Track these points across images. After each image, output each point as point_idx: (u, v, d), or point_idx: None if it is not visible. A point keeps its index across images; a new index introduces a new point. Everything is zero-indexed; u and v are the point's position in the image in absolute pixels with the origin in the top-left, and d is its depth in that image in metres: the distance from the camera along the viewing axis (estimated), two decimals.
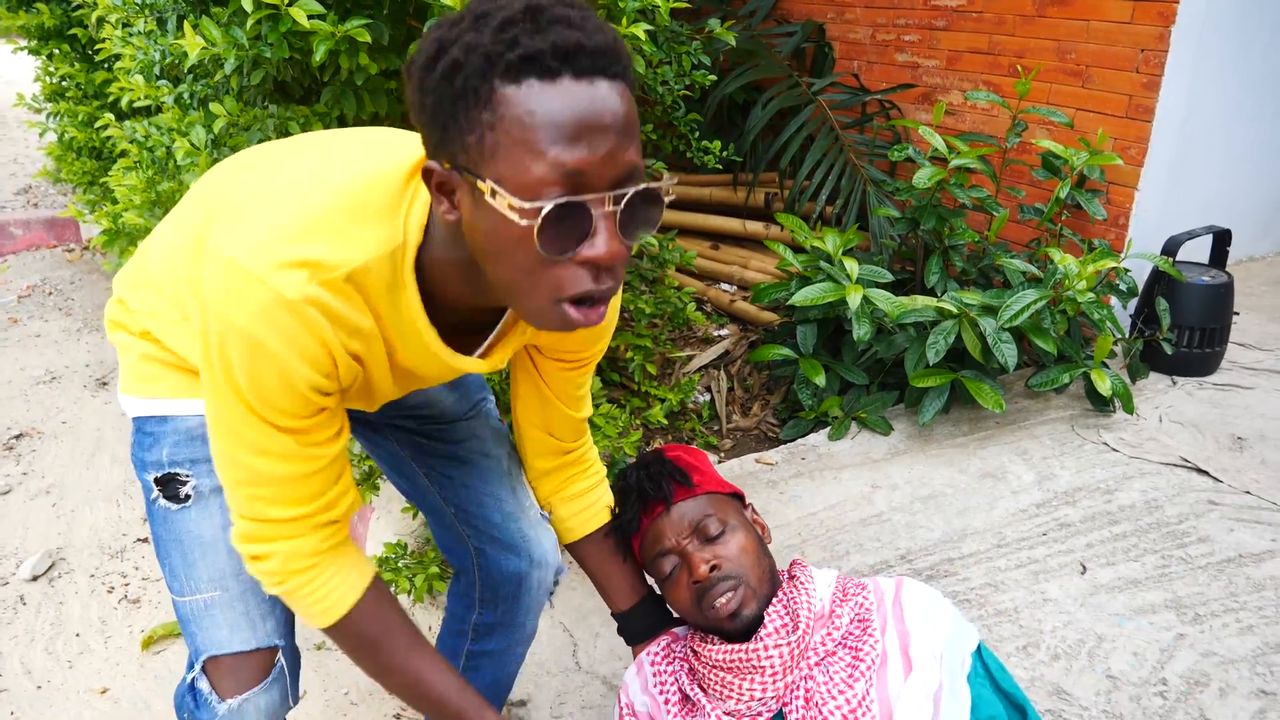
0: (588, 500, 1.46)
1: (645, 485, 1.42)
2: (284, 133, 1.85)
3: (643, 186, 0.85)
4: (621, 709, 1.41)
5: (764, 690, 1.27)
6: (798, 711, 1.24)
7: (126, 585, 2.45)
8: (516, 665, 1.60)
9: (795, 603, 1.34)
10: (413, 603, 2.11)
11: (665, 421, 2.46)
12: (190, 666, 1.22)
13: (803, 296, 2.46)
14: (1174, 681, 1.76)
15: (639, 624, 1.49)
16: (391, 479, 1.53)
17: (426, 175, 0.88)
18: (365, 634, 1.14)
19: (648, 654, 1.45)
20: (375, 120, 1.89)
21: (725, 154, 2.62)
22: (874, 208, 3.43)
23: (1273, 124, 3.60)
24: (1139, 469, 2.46)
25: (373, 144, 1.05)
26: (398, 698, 1.44)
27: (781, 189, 3.77)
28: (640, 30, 1.69)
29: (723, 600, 1.29)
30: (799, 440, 2.67)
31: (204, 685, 1.20)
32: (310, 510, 1.06)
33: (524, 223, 0.81)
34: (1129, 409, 2.63)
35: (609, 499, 1.48)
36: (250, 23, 1.41)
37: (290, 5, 1.38)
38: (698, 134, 2.63)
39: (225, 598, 1.20)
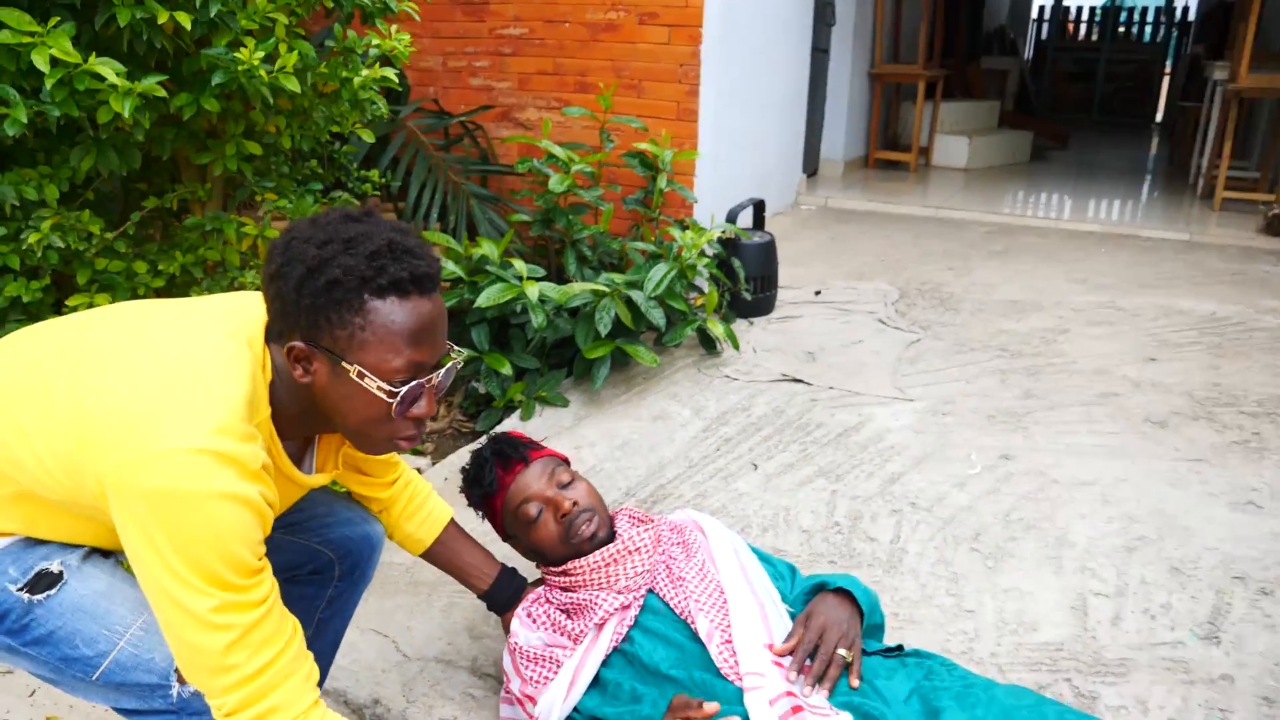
0: (425, 511, 1.71)
1: (505, 449, 1.76)
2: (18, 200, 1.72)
3: (448, 366, 1.26)
4: (511, 651, 1.69)
5: (641, 565, 1.66)
6: (662, 581, 1.64)
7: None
8: (355, 606, 1.76)
9: (635, 513, 1.76)
10: None
11: None
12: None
13: (486, 298, 2.78)
14: (842, 522, 2.43)
15: (503, 594, 1.79)
16: None
17: (289, 350, 1.17)
18: None
19: (521, 608, 1.75)
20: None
21: (384, 180, 2.82)
22: (480, 220, 3.81)
23: (758, 115, 4.64)
24: (758, 389, 3.17)
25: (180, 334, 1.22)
26: None
27: (397, 213, 3.99)
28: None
29: (586, 527, 1.68)
30: (495, 428, 2.99)
31: (189, 689, 1.21)
32: (285, 642, 1.19)
33: (386, 399, 1.18)
34: (736, 346, 3.35)
35: (442, 506, 1.74)
36: None
37: None
38: (356, 165, 2.80)
39: (154, 617, 1.21)
